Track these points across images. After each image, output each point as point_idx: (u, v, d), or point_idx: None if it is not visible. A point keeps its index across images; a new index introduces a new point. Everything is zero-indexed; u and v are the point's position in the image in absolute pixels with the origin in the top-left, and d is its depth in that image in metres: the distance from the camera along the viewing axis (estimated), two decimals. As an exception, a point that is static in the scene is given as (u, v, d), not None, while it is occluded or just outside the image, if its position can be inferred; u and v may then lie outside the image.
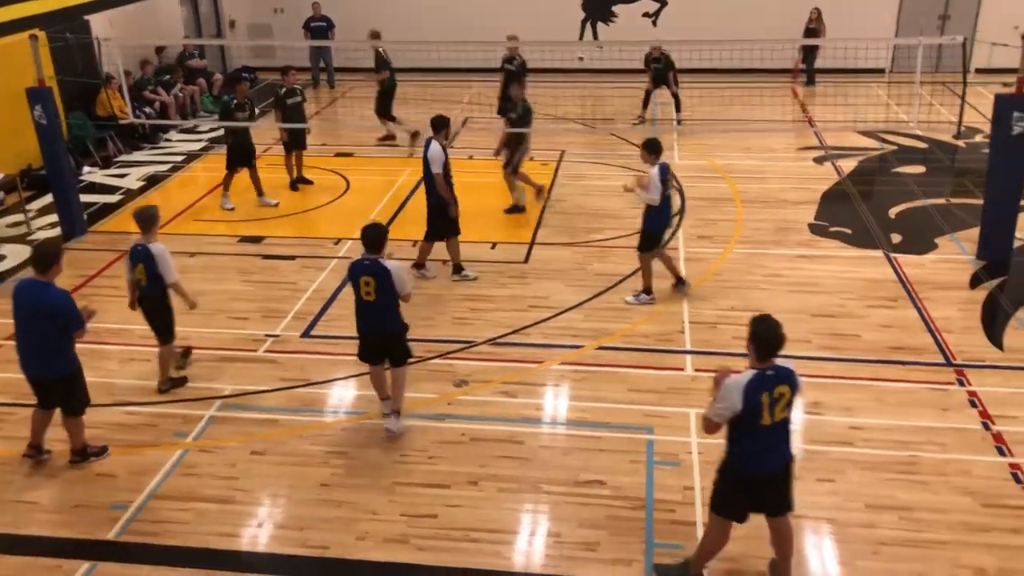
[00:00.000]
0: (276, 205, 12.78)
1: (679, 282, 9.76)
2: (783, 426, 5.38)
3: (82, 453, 7.19)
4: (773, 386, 5.23)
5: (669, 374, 8.28)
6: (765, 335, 5.27)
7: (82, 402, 7.09)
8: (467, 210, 12.82)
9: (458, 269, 10.32)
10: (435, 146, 9.83)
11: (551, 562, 6.13)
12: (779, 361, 5.30)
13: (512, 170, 12.15)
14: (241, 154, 12.65)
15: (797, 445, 7.30)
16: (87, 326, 6.84)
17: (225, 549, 6.32)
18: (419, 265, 10.35)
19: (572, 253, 10.98)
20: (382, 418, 7.58)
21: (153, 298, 7.93)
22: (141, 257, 7.75)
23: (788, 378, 5.30)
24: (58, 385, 6.92)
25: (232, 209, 12.67)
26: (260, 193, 12.86)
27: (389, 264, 7.07)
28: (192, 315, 9.53)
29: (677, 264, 9.98)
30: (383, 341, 7.37)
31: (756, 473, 5.45)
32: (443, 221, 10.07)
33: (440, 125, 9.93)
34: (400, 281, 7.09)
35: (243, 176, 12.83)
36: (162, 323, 8.06)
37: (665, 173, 9.15)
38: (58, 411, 7.11)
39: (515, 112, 12.20)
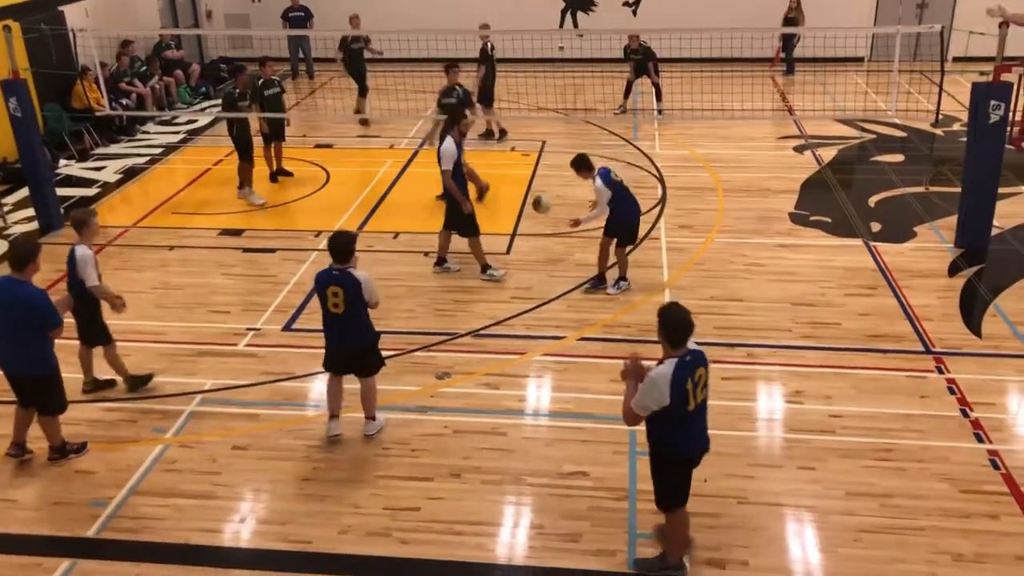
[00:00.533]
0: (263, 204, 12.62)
1: (599, 280, 9.72)
2: (704, 405, 5.51)
3: (61, 450, 7.12)
4: (693, 370, 5.29)
5: (651, 364, 8.26)
6: (676, 322, 5.31)
7: (59, 404, 6.99)
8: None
9: (441, 262, 10.27)
10: (448, 142, 9.64)
11: (534, 553, 6.14)
12: (691, 344, 5.35)
13: None
14: (245, 143, 12.43)
15: (779, 434, 7.40)
16: (63, 324, 6.75)
17: (207, 545, 6.29)
18: (485, 267, 10.09)
19: (554, 244, 10.97)
20: (328, 438, 7.28)
21: (79, 300, 7.67)
22: (68, 258, 7.65)
23: (702, 359, 5.38)
24: (35, 385, 6.84)
25: (263, 204, 12.46)
26: (248, 185, 12.70)
27: (359, 274, 6.84)
28: (172, 309, 9.55)
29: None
30: (353, 355, 7.14)
31: (691, 457, 5.61)
32: (458, 217, 9.89)
33: (454, 120, 9.72)
34: (370, 291, 6.86)
35: (225, 168, 12.70)
36: (86, 325, 7.82)
37: (608, 174, 9.17)
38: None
39: (452, 98, 12.19)
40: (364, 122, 16.04)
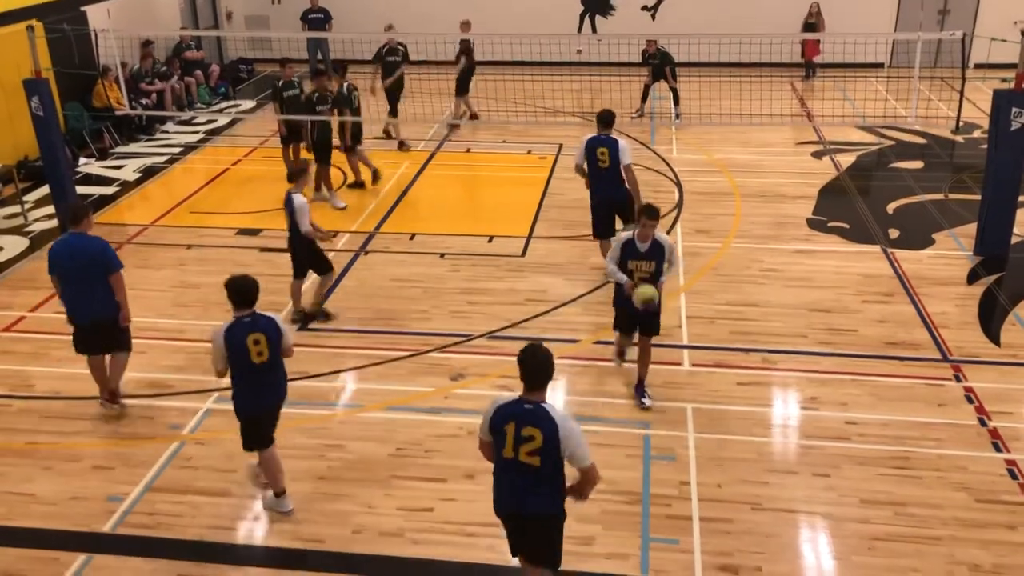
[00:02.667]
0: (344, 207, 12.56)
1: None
2: (530, 471, 4.88)
3: (114, 395, 7.72)
4: (523, 423, 4.83)
5: (666, 368, 8.28)
6: (521, 362, 4.93)
7: (130, 340, 7.69)
8: (465, 203, 12.86)
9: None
10: (622, 140, 9.41)
11: (547, 556, 6.12)
12: (552, 409, 4.89)
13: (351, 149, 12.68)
14: (323, 147, 12.41)
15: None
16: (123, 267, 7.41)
17: (221, 542, 6.32)
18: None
19: (570, 247, 10.96)
20: (282, 513, 6.55)
21: (294, 240, 9.04)
22: (286, 204, 8.88)
23: (544, 422, 4.80)
24: (112, 324, 7.45)
25: (344, 207, 12.44)
26: (329, 188, 12.68)
27: (273, 315, 6.27)
28: (189, 307, 9.61)
29: None
30: (277, 410, 6.51)
31: (500, 511, 5.20)
32: (627, 213, 9.52)
33: (607, 120, 9.45)
34: (286, 332, 6.32)
35: (243, 168, 12.69)
36: (300, 260, 9.20)
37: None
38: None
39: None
40: (402, 145, 15.13)
